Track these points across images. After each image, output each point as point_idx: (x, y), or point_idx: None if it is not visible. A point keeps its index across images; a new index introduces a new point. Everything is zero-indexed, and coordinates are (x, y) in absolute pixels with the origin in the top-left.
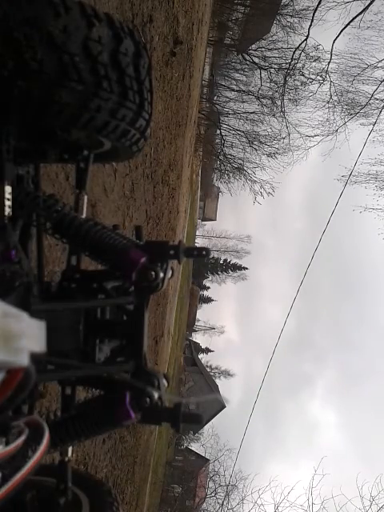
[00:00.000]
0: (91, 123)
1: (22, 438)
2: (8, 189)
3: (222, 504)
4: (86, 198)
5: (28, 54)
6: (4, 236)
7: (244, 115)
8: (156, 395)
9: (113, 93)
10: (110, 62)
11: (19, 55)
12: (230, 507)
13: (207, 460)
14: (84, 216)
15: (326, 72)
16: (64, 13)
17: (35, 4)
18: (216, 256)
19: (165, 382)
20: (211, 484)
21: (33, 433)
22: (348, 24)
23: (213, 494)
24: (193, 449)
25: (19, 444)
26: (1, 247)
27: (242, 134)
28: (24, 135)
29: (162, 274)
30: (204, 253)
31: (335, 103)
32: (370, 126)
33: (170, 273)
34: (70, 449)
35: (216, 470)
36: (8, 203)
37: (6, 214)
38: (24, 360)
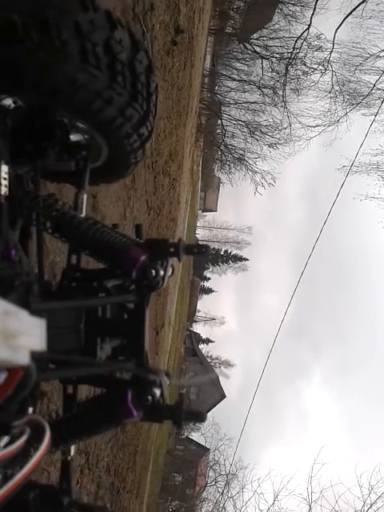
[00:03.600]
0: (101, 113)
1: (24, 438)
2: (4, 168)
3: (222, 492)
4: (85, 197)
5: (54, 33)
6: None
7: (245, 105)
8: (158, 393)
9: (125, 89)
10: (127, 63)
11: (45, 31)
12: (229, 496)
13: (207, 449)
14: (83, 215)
15: (328, 61)
16: (92, 10)
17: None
18: (217, 247)
19: (166, 379)
20: (211, 473)
21: (34, 432)
22: (350, 13)
23: (213, 483)
24: (193, 438)
25: (21, 444)
26: (1, 246)
27: (244, 124)
28: (26, 129)
29: (162, 272)
30: (204, 250)
31: (337, 93)
32: (372, 116)
33: (170, 270)
34: (72, 448)
35: (216, 459)
36: (4, 182)
37: (3, 193)
38: (24, 358)
